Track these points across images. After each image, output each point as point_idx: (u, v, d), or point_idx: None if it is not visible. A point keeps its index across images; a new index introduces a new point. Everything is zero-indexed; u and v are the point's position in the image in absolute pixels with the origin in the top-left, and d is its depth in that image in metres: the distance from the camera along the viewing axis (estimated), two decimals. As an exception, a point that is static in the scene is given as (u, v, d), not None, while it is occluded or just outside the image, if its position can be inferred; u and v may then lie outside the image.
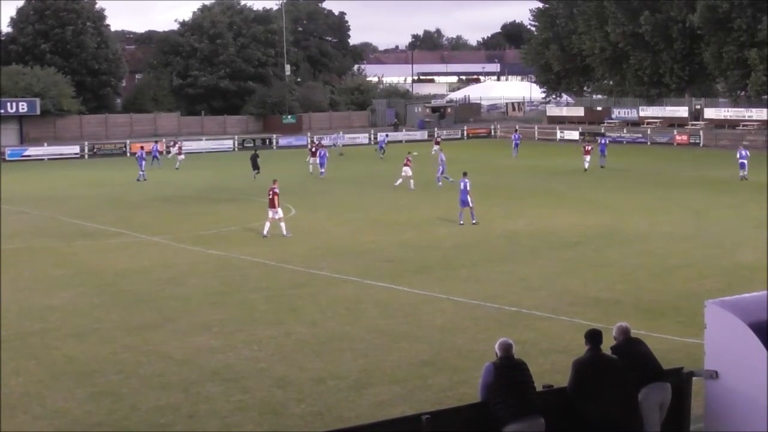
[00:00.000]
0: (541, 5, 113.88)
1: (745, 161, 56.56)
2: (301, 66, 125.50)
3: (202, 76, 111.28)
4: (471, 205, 38.87)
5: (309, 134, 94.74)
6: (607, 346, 12.24)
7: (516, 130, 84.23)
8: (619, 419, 11.66)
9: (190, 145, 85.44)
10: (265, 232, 36.31)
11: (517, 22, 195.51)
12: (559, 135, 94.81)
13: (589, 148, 63.86)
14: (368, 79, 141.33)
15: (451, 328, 22.12)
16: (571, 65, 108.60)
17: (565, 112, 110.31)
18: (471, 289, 26.21)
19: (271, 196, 36.39)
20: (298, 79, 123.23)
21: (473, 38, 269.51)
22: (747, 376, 11.82)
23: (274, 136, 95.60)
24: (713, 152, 79.08)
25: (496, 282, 27.43)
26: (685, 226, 37.88)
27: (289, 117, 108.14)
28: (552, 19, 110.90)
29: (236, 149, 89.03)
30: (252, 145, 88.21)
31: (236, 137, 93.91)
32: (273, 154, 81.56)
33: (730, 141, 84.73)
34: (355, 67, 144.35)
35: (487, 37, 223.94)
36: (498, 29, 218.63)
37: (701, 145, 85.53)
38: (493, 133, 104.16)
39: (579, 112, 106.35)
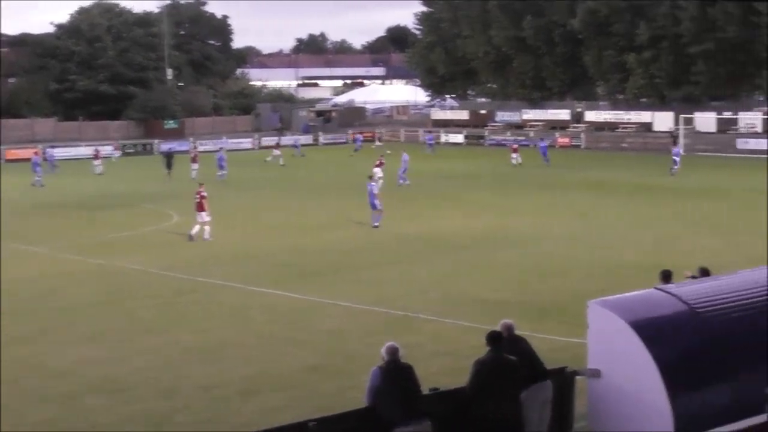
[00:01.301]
0: (425, 9, 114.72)
1: (677, 158, 60.09)
2: (184, 70, 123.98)
3: (81, 80, 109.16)
4: (379, 208, 39.14)
5: (192, 139, 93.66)
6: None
7: (430, 132, 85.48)
8: (513, 419, 11.89)
9: (67, 151, 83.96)
10: (192, 233, 36.64)
11: (401, 25, 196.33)
12: (444, 138, 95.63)
13: (516, 146, 69.91)
14: (252, 83, 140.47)
15: (339, 333, 22.19)
16: (455, 69, 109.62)
17: (449, 115, 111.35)
18: (360, 293, 26.31)
19: (198, 200, 36.79)
20: (181, 83, 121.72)
21: (358, 42, 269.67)
22: (628, 374, 12.09)
23: (156, 141, 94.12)
24: (595, 154, 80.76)
25: (386, 285, 27.58)
26: (572, 227, 38.63)
27: (171, 122, 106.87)
28: (436, 23, 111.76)
29: (115, 155, 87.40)
30: (133, 150, 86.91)
31: (116, 143, 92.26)
32: (155, 160, 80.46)
33: (610, 143, 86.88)
34: (239, 70, 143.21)
35: (372, 40, 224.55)
36: (383, 33, 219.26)
37: (583, 147, 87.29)
38: (378, 136, 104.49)
39: (463, 115, 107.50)
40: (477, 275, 28.90)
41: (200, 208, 36.79)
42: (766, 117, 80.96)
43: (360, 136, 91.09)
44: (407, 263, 31.25)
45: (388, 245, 34.88)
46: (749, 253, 30.48)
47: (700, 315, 12.38)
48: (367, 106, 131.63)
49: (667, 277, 16.61)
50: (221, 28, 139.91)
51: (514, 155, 68.64)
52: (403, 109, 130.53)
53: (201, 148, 78.92)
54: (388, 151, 63.50)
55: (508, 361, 12.13)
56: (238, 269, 30.45)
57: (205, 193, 37.26)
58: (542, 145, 70.89)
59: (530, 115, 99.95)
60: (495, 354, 12.16)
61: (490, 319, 21.45)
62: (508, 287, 27.00)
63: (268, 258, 32.57)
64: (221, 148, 69.35)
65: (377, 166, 53.12)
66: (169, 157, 64.60)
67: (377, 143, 74.17)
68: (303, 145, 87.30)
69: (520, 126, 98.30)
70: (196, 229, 36.76)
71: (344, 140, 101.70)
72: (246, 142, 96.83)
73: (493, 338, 12.29)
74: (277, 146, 76.18)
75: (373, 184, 39.64)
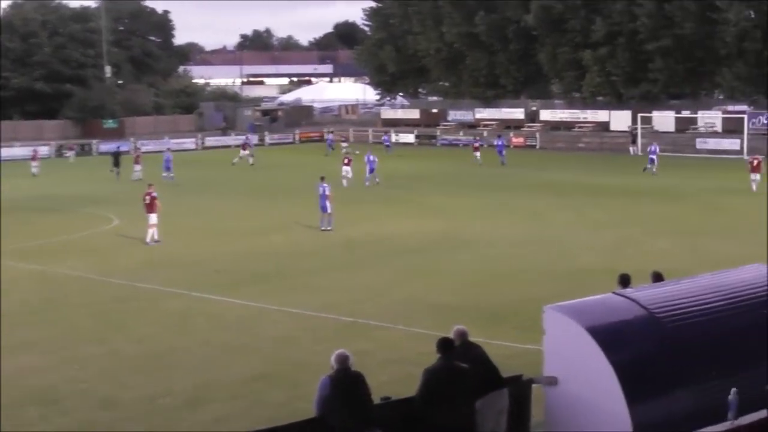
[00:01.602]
0: (374, 4, 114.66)
1: (655, 156, 61.43)
2: (123, 67, 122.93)
3: (15, 77, 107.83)
4: (329, 211, 39.10)
5: (133, 140, 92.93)
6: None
7: (386, 133, 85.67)
8: (466, 428, 11.92)
9: (2, 152, 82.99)
10: (148, 240, 36.52)
11: (350, 21, 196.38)
12: (394, 138, 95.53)
13: (477, 145, 70.87)
14: (195, 81, 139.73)
15: (286, 341, 22.15)
16: (406, 66, 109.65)
17: (400, 114, 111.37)
18: (307, 299, 26.28)
19: (149, 201, 36.71)
20: (120, 81, 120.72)
21: (305, 38, 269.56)
22: (586, 381, 12.16)
23: (94, 141, 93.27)
24: (550, 154, 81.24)
25: (334, 291, 27.58)
26: (525, 229, 38.87)
27: (110, 121, 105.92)
28: (386, 19, 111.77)
29: (54, 155, 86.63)
30: (73, 150, 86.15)
31: (53, 143, 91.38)
32: (92, 161, 79.83)
33: (566, 143, 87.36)
34: (181, 68, 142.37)
35: (319, 37, 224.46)
36: (330, 29, 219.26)
37: (538, 147, 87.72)
38: (326, 136, 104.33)
39: (414, 114, 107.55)
40: (429, 280, 28.98)
41: (150, 209, 36.69)
42: (725, 116, 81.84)
43: (330, 136, 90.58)
44: (357, 268, 31.28)
45: (337, 249, 34.89)
46: (710, 257, 30.84)
47: (660, 320, 12.47)
48: (315, 105, 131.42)
49: (625, 281, 16.73)
50: (162, 24, 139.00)
51: (476, 154, 69.52)
52: (352, 108, 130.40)
53: (143, 149, 78.35)
54: (356, 152, 63.83)
55: (460, 369, 12.15)
56: (181, 275, 30.29)
57: (155, 194, 37.23)
58: (499, 144, 71.19)
59: (484, 114, 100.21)
60: (446, 362, 12.16)
61: (443, 326, 21.49)
62: (461, 292, 27.09)
63: (213, 263, 32.43)
64: (168, 149, 69.00)
65: (345, 165, 55.71)
66: (116, 156, 65.60)
67: (344, 144, 73.91)
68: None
69: (473, 125, 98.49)
70: (150, 233, 36.71)
71: (290, 140, 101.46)
72: (189, 143, 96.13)
73: (444, 345, 12.31)
74: (245, 147, 75.46)
75: (324, 185, 39.57)
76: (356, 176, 56.18)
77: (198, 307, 25.87)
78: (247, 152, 73.15)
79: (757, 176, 51.99)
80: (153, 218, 36.66)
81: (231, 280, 29.47)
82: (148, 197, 36.96)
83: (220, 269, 31.26)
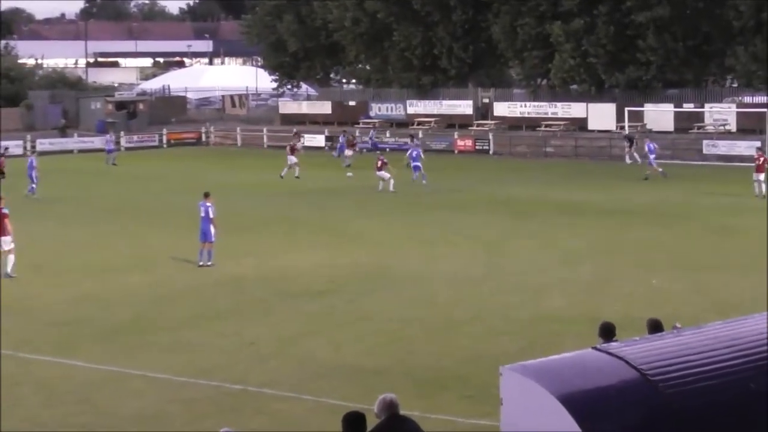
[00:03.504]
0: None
1: (653, 156, 64.34)
2: None
3: None
4: (212, 239, 39.03)
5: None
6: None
7: (344, 133, 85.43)
8: None
9: None
10: (9, 270, 36.66)
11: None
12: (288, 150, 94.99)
13: (380, 163, 64.59)
14: (21, 61, 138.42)
15: (151, 418, 21.98)
16: (313, 43, 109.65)
17: (305, 108, 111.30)
18: (178, 361, 26.17)
19: None
20: None
21: (174, 5, 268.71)
22: (557, 463, 12.25)
23: None
24: (508, 162, 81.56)
25: (214, 349, 27.46)
26: (474, 263, 39.02)
27: None
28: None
29: None
30: None
31: None
32: None
33: (529, 147, 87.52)
34: (2, 43, 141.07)
35: (194, 3, 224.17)
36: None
37: (491, 152, 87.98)
38: (204, 137, 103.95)
39: (325, 108, 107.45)
40: (343, 332, 29.01)
41: (1, 231, 36.54)
42: (740, 110, 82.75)
43: (342, 138, 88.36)
44: (247, 317, 31.21)
45: (219, 291, 34.75)
46: (720, 300, 31.25)
47: (655, 384, 12.58)
48: (189, 95, 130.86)
49: (608, 332, 16.91)
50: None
51: (379, 173, 63.81)
52: (239, 99, 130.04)
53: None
54: (349, 174, 64.23)
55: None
56: (5, 328, 29.89)
57: (5, 210, 36.99)
58: (413, 154, 68.53)
59: (418, 107, 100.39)
60: (391, 421, 12.22)
61: (363, 394, 21.54)
62: (387, 349, 27.15)
63: (50, 312, 32.11)
64: (32, 151, 68.79)
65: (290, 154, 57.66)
66: None
67: (292, 157, 72.69)
68: (92, 151, 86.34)
69: (404, 123, 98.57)
70: (11, 261, 36.78)
71: (155, 143, 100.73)
72: (13, 146, 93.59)
73: (354, 422, 12.33)
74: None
75: (208, 205, 39.32)
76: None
77: (26, 372, 25.61)
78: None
79: (761, 176, 53.93)
80: (6, 243, 36.46)
81: (75, 335, 29.22)
82: None
83: (62, 321, 30.97)
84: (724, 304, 30.08)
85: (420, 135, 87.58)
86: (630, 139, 77.44)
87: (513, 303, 32.27)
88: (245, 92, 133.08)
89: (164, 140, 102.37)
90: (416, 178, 64.63)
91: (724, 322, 14.84)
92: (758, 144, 72.43)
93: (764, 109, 77.50)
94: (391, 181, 60.42)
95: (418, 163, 65.80)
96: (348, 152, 78.45)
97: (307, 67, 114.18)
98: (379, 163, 60.97)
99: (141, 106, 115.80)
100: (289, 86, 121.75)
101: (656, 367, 12.77)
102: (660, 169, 64.81)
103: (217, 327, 29.96)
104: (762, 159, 55.76)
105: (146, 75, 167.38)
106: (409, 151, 70.10)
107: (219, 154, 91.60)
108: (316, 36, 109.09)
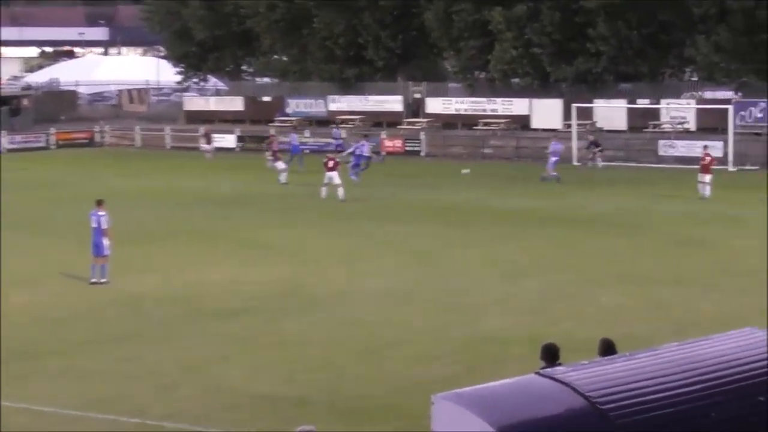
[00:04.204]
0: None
1: (557, 159, 65.75)
2: None
3: None
4: (105, 253, 38.71)
5: None
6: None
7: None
8: None
9: None
10: None
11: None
12: (204, 140, 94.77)
13: (332, 163, 64.44)
14: None
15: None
16: (222, 31, 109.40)
17: (213, 104, 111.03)
18: (68, 391, 26.00)
19: None
20: None
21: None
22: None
23: None
24: (443, 164, 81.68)
25: (109, 377, 27.30)
26: (404, 279, 39.01)
27: None
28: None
29: None
30: None
31: None
32: None
33: (465, 148, 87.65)
34: None
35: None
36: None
37: (424, 154, 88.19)
38: (98, 137, 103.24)
39: (236, 104, 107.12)
40: (259, 357, 28.95)
41: None
42: (701, 107, 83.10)
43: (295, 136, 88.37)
44: (147, 340, 31.06)
45: (115, 312, 34.56)
46: (679, 317, 31.43)
47: (607, 415, 12.59)
48: (81, 89, 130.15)
49: (551, 354, 16.93)
50: None
51: (330, 174, 63.07)
52: (138, 94, 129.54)
53: None
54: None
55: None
56: None
57: None
58: (357, 154, 69.87)
59: (341, 104, 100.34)
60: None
61: (281, 426, 21.54)
62: (308, 375, 27.11)
63: None
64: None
65: (270, 156, 56.92)
66: None
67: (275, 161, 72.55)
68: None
69: (325, 121, 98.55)
70: None
71: (42, 143, 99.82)
72: None
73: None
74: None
75: (101, 214, 39.06)
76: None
77: None
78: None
79: (707, 177, 55.65)
80: None
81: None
82: None
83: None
84: (682, 322, 30.25)
85: (343, 135, 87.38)
86: (596, 145, 77.46)
87: (448, 323, 32.31)
88: (145, 86, 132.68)
89: (52, 141, 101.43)
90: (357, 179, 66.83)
91: (682, 343, 14.91)
92: (720, 144, 73.29)
93: (727, 106, 77.92)
94: (340, 189, 60.10)
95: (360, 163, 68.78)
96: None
97: (216, 58, 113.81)
98: (331, 163, 60.48)
99: (25, 101, 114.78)
100: (196, 80, 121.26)
101: (606, 394, 12.78)
102: (554, 173, 65.79)
103: (114, 352, 29.75)
104: (708, 159, 57.92)
105: (31, 66, 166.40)
106: (355, 149, 71.39)
107: (115, 156, 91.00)
108: (226, 23, 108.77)
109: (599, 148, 76.59)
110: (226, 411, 24.25)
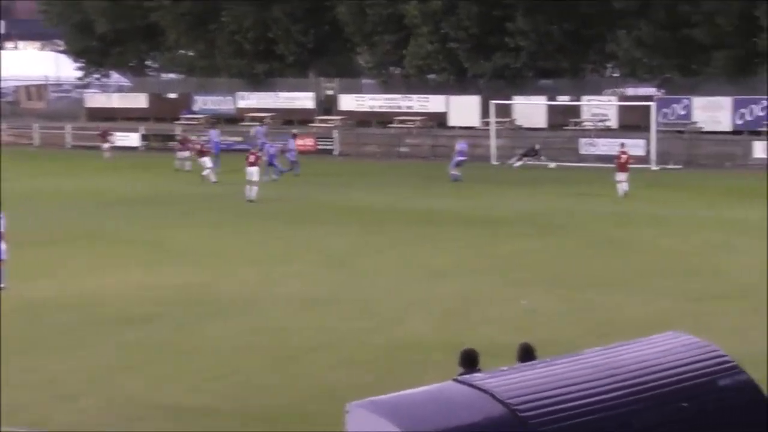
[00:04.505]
0: None
1: (463, 159, 66.47)
2: None
3: None
4: (3, 257, 38.33)
5: None
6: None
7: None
8: None
9: None
10: None
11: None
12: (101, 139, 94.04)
13: (254, 158, 64.46)
14: None
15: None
16: (125, 25, 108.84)
17: (116, 101, 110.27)
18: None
19: None
20: None
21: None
22: None
23: None
24: (356, 164, 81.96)
25: (7, 387, 26.97)
26: (317, 283, 38.99)
27: None
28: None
29: None
30: None
31: None
32: None
33: (380, 146, 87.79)
34: None
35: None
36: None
37: (337, 153, 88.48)
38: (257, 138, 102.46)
39: (140, 101, 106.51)
40: (165, 366, 28.80)
41: None
42: (623, 104, 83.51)
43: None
44: (47, 348, 30.83)
45: (12, 319, 34.04)
46: (602, 321, 31.58)
47: (527, 422, 12.62)
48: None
49: (470, 360, 16.92)
50: None
51: (251, 169, 63.88)
52: (36, 90, 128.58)
53: None
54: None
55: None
56: None
57: None
58: (270, 150, 70.82)
59: (251, 101, 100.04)
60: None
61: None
62: (216, 384, 27.02)
63: None
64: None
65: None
66: None
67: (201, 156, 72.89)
68: None
69: (234, 119, 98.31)
70: None
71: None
72: None
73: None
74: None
75: None
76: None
77: None
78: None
79: (623, 176, 57.03)
80: None
81: None
82: None
83: None
84: (605, 326, 30.38)
85: (251, 133, 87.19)
86: (536, 152, 77.80)
87: (364, 328, 32.34)
88: (44, 82, 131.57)
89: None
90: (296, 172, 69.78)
91: (605, 348, 14.97)
92: (642, 142, 73.86)
93: (649, 103, 78.46)
94: (255, 188, 60.78)
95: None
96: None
97: (119, 52, 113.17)
98: (252, 157, 60.64)
99: None
100: (97, 75, 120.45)
101: (526, 401, 12.80)
102: (456, 173, 66.96)
103: (11, 361, 29.45)
104: (624, 157, 59.13)
105: None
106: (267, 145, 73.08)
107: (12, 155, 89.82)
108: (129, 16, 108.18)
109: (533, 153, 77.39)
110: (129, 422, 24.11)
